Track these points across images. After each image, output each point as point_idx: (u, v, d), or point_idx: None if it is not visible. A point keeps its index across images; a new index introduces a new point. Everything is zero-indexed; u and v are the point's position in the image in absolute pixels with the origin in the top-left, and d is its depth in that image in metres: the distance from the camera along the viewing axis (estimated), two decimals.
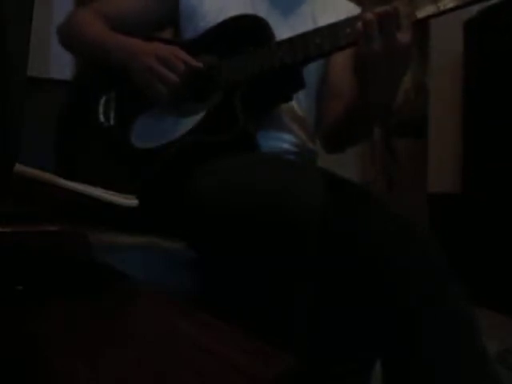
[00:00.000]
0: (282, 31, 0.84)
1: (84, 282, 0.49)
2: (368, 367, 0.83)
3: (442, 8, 0.71)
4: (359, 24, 0.70)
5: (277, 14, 0.95)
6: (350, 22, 0.77)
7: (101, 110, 0.92)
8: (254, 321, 0.60)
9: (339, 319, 0.71)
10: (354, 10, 1.01)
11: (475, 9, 2.08)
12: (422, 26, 0.78)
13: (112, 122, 0.90)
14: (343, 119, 0.89)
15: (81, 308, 0.43)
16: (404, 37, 0.68)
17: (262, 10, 0.94)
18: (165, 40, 0.97)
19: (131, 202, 0.60)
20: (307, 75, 0.86)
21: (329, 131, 0.96)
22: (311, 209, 0.61)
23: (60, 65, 1.61)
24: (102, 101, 0.93)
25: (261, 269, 0.62)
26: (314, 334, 0.64)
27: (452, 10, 0.71)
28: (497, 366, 0.62)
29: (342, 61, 0.96)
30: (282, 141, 0.93)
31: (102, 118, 0.91)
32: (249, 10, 0.94)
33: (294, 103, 0.94)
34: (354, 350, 0.78)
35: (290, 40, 0.80)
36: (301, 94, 0.93)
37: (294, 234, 0.60)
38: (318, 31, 0.79)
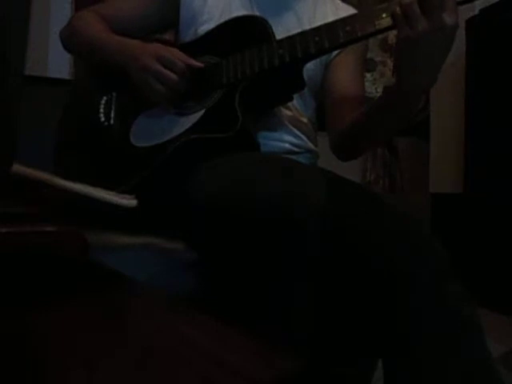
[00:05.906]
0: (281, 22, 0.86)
1: (83, 282, 0.48)
2: (369, 368, 0.83)
3: None
4: (397, 8, 0.69)
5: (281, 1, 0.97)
6: (349, 20, 0.77)
7: (101, 109, 0.92)
8: (254, 321, 0.60)
9: (339, 319, 0.71)
10: (350, 10, 1.02)
11: (477, 7, 2.07)
12: None
13: (112, 121, 0.90)
14: (363, 121, 0.87)
15: (79, 308, 0.43)
16: (450, 16, 0.66)
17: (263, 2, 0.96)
18: (165, 41, 0.97)
19: (130, 202, 0.60)
20: (307, 77, 0.86)
21: (343, 138, 0.95)
22: (312, 209, 0.61)
23: (58, 64, 1.62)
24: (103, 101, 0.93)
25: (261, 269, 0.62)
26: (315, 334, 0.63)
27: None
28: (500, 368, 0.61)
29: (341, 68, 0.96)
30: (282, 141, 0.93)
31: (102, 117, 0.91)
32: (249, 9, 0.95)
33: (294, 104, 0.94)
34: (355, 350, 0.77)
35: (290, 38, 0.81)
36: (301, 95, 0.93)
37: (294, 234, 0.60)
38: (317, 29, 0.80)
